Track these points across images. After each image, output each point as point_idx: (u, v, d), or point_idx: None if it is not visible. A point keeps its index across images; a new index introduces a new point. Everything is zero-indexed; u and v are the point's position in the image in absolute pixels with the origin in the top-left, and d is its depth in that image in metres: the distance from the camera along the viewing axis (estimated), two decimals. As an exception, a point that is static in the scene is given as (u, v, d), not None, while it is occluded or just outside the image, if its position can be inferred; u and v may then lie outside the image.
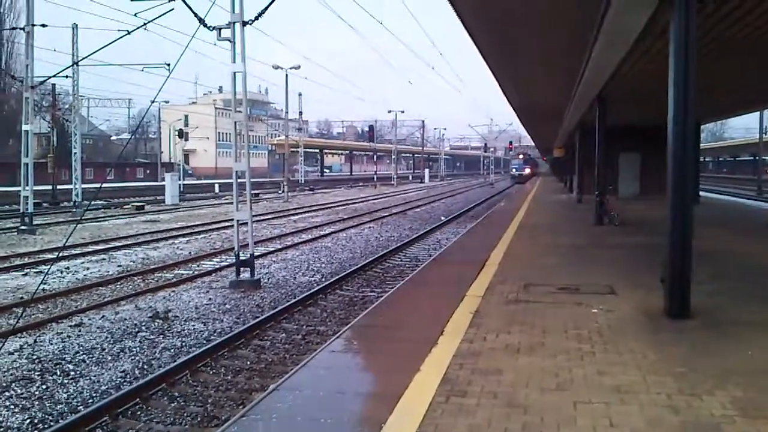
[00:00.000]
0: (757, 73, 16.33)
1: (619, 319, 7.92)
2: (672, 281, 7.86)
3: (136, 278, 15.82)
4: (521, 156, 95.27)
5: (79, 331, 11.05)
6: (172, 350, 10.03)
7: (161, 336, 10.79)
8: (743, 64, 14.79)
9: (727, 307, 8.48)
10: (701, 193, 33.06)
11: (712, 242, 14.45)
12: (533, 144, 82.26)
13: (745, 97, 22.31)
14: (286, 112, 57.00)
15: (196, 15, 14.97)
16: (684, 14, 7.61)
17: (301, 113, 73.95)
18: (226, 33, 14.78)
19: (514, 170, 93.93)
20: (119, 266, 17.55)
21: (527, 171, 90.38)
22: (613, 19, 9.19)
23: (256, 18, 15.21)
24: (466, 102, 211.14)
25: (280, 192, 54.35)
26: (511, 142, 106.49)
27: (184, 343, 10.38)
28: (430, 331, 7.38)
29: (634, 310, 8.38)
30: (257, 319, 11.39)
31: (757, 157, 60.52)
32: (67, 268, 17.20)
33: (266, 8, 15.36)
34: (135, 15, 19.44)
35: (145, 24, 20.26)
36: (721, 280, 10.25)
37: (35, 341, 10.41)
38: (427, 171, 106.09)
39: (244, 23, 14.67)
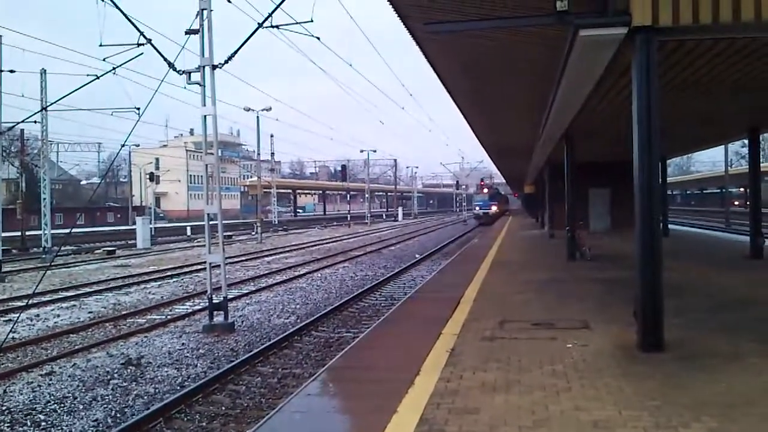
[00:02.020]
0: (718, 110, 16.75)
1: (593, 353, 7.97)
2: (644, 315, 7.95)
3: (107, 324, 15.59)
4: (486, 190, 74.96)
5: (50, 380, 10.84)
6: (145, 397, 9.87)
7: (134, 383, 10.61)
8: (705, 101, 15.17)
9: (700, 340, 8.56)
10: (670, 226, 33.54)
11: (683, 275, 14.65)
12: (504, 181, 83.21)
13: (708, 132, 22.82)
14: (258, 154, 57.07)
15: (165, 59, 15.05)
16: (645, 54, 7.85)
17: (273, 154, 74.23)
18: (195, 77, 14.87)
19: (477, 208, 74.02)
20: (90, 312, 17.29)
21: (494, 209, 71.70)
22: (576, 60, 9.39)
23: (226, 61, 15.34)
24: (437, 140, 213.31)
25: (253, 233, 54.08)
26: (483, 179, 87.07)
27: (157, 390, 10.21)
28: (406, 370, 7.35)
29: (608, 344, 8.44)
30: (232, 364, 11.25)
31: (723, 190, 61.64)
32: (37, 315, 16.91)
33: (235, 52, 15.51)
34: (104, 60, 19.43)
35: (114, 68, 20.31)
36: (693, 313, 10.37)
37: (5, 391, 10.19)
38: (400, 209, 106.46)
39: (214, 67, 14.76)
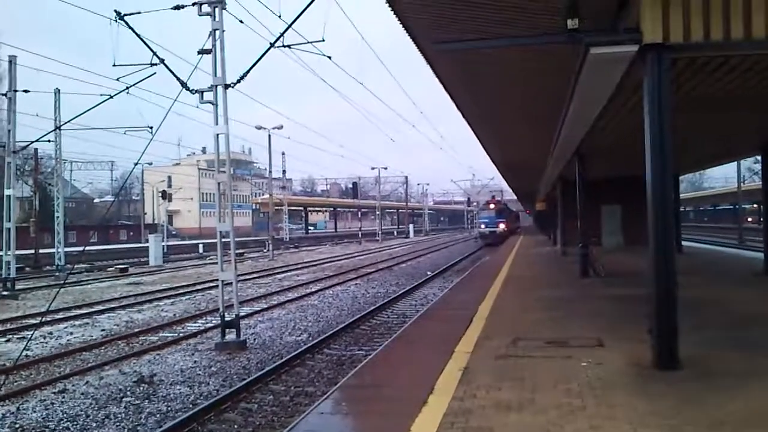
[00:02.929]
0: (730, 126, 16.70)
1: (608, 371, 7.92)
2: (659, 332, 7.90)
3: (120, 342, 15.63)
4: (493, 206, 65.10)
5: (63, 397, 10.86)
6: (157, 415, 9.86)
7: (147, 401, 10.61)
8: (716, 117, 15.14)
9: (716, 357, 8.49)
10: (684, 243, 33.34)
11: (698, 291, 14.54)
12: (516, 197, 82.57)
13: (720, 149, 22.74)
14: (270, 171, 57.24)
15: (178, 79, 15.19)
16: (657, 71, 7.86)
17: (284, 172, 74.48)
18: (208, 96, 14.98)
19: (482, 226, 64.24)
20: (103, 330, 17.34)
21: (502, 227, 62.19)
22: (587, 77, 9.41)
23: (238, 81, 15.45)
24: (448, 157, 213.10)
25: (265, 251, 54.18)
26: (494, 196, 79.17)
27: (170, 408, 10.21)
28: (419, 389, 7.33)
29: (622, 362, 8.38)
30: (244, 381, 11.23)
31: (737, 206, 61.26)
32: (51, 333, 16.97)
33: (248, 71, 15.63)
34: (117, 79, 19.61)
35: (127, 88, 20.44)
36: (708, 330, 10.29)
37: (18, 409, 10.22)
38: (411, 226, 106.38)
39: (226, 86, 14.88)
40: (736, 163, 45.91)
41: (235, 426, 9.24)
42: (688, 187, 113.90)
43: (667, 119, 7.91)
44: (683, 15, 7.70)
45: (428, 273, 32.05)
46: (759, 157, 22.99)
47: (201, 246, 60.34)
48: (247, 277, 31.11)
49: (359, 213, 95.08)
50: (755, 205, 68.77)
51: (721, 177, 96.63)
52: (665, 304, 7.89)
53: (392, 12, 9.91)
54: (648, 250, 8.07)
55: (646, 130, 8.02)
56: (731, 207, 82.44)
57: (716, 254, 32.45)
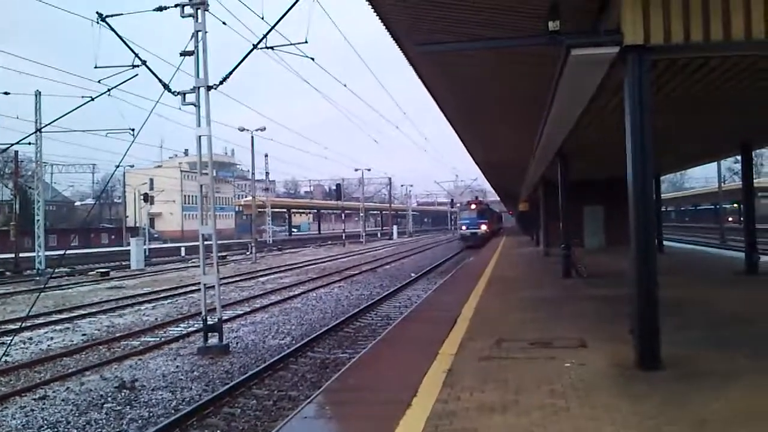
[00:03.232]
0: (711, 126, 16.83)
1: (591, 372, 7.93)
2: (641, 333, 7.93)
3: (101, 347, 15.48)
4: (474, 206, 62.07)
5: (44, 404, 10.74)
6: (139, 421, 9.77)
7: (128, 407, 10.51)
8: (697, 118, 15.26)
9: (698, 357, 8.53)
10: (665, 243, 33.58)
11: (679, 291, 14.62)
12: (498, 198, 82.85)
13: (701, 149, 22.93)
14: (253, 173, 57.04)
15: (160, 80, 15.09)
16: (637, 72, 7.90)
17: (267, 173, 74.21)
18: (190, 98, 14.87)
19: (463, 227, 61.21)
20: (84, 335, 17.18)
21: (484, 228, 59.83)
22: (568, 78, 9.44)
23: (221, 83, 15.37)
24: (431, 159, 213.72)
25: (248, 253, 53.97)
26: (477, 197, 76.32)
27: (151, 414, 10.12)
28: (403, 391, 7.30)
29: (605, 362, 8.40)
30: (227, 386, 11.15)
31: (717, 206, 61.85)
32: (31, 338, 16.79)
33: (230, 73, 15.54)
34: (99, 81, 19.45)
35: (108, 90, 20.27)
36: (690, 330, 10.36)
37: (-4, 417, 10.08)
38: (395, 227, 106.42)
39: (209, 88, 14.79)
40: (716, 163, 46.35)
41: (218, 431, 9.17)
42: (669, 188, 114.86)
43: (647, 120, 7.95)
44: (663, 17, 7.74)
45: (412, 275, 32.07)
46: (739, 157, 23.21)
47: (183, 249, 60.04)
48: (230, 280, 30.97)
49: (343, 215, 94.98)
50: (735, 205, 69.49)
51: (702, 177, 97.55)
52: (647, 305, 7.92)
53: (375, 13, 9.91)
54: (630, 251, 8.11)
55: (627, 131, 8.06)
56: (712, 207, 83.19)
57: (698, 254, 32.74)
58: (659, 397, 6.77)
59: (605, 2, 8.49)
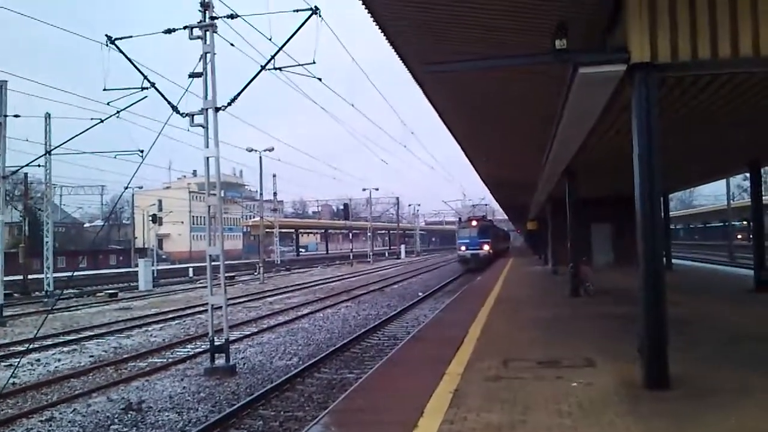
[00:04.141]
0: (719, 144, 16.80)
1: (599, 392, 7.86)
2: (649, 352, 7.86)
3: (108, 368, 15.44)
4: (474, 223, 53.96)
5: (50, 426, 10.72)
6: (145, 443, 9.72)
7: (134, 428, 10.48)
8: (705, 135, 15.23)
9: (707, 376, 8.45)
10: (674, 260, 33.41)
11: (688, 310, 14.52)
12: (507, 217, 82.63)
13: (709, 166, 22.88)
14: (261, 194, 57.18)
15: (169, 102, 15.19)
16: (644, 90, 7.89)
17: (275, 194, 74.34)
18: (198, 119, 14.94)
19: (462, 247, 52.66)
20: (91, 356, 17.15)
21: (486, 248, 51.40)
22: (576, 96, 9.46)
23: (229, 104, 15.45)
24: (439, 178, 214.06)
25: (255, 273, 53.95)
26: (484, 215, 68.33)
27: (158, 435, 10.07)
28: (410, 412, 7.24)
29: (613, 382, 8.32)
30: (233, 407, 11.09)
31: (727, 223, 61.53)
32: (38, 360, 16.77)
33: (238, 94, 15.63)
34: (108, 104, 19.55)
35: (118, 112, 20.38)
36: (698, 348, 10.26)
37: (3, 439, 10.06)
38: (403, 247, 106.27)
39: (217, 109, 14.86)
40: (725, 180, 46.18)
41: (224, 452, 9.11)
42: (678, 205, 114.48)
43: (655, 138, 7.93)
44: (671, 34, 7.75)
45: (419, 294, 31.97)
46: (748, 174, 23.14)
47: (191, 270, 60.05)
48: (238, 300, 30.93)
49: (350, 234, 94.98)
50: (745, 222, 69.11)
51: (711, 194, 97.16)
52: (655, 323, 7.86)
53: (383, 34, 9.98)
54: (638, 269, 8.05)
55: (634, 149, 8.04)
56: (721, 224, 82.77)
57: (707, 272, 32.54)
58: (668, 417, 6.69)
59: (612, 20, 8.51)
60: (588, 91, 9.21)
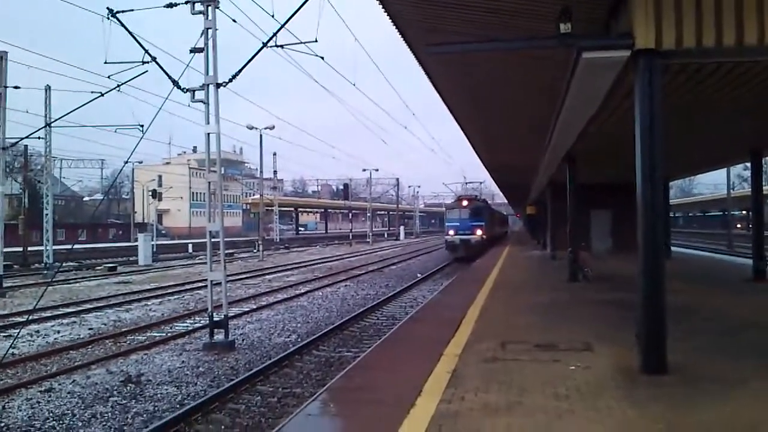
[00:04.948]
0: (722, 131, 16.78)
1: (596, 375, 7.93)
2: (647, 337, 7.92)
3: (107, 341, 15.53)
4: (465, 203, 45.23)
5: (49, 396, 10.78)
6: (144, 415, 9.80)
7: (133, 401, 10.54)
8: (707, 123, 15.22)
9: (703, 363, 8.52)
10: (673, 248, 33.49)
11: (686, 297, 14.59)
12: (507, 201, 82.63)
13: (710, 155, 22.88)
14: (261, 172, 57.15)
15: (170, 77, 15.11)
16: (648, 77, 7.87)
17: (275, 172, 74.26)
18: (199, 95, 14.90)
19: (450, 232, 44.03)
20: (90, 329, 17.23)
21: (479, 233, 43.01)
22: (579, 81, 9.44)
23: (230, 80, 15.36)
24: (440, 160, 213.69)
25: (254, 251, 54.07)
26: (477, 195, 60.71)
27: (156, 408, 10.15)
28: (407, 391, 7.30)
29: (610, 366, 8.40)
30: (232, 382, 11.18)
31: (726, 212, 61.58)
32: (38, 331, 16.85)
33: (240, 71, 15.55)
34: (109, 77, 19.48)
35: (118, 86, 20.34)
36: (696, 336, 10.33)
37: (3, 407, 10.14)
38: (402, 228, 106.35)
39: (218, 85, 14.82)
40: (726, 169, 46.16)
41: (222, 427, 9.20)
42: (677, 193, 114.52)
43: (657, 124, 7.92)
44: (675, 21, 7.72)
45: (418, 275, 32.06)
46: (748, 164, 23.14)
47: (190, 246, 60.17)
48: (237, 277, 31.01)
49: (350, 214, 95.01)
50: (744, 212, 69.19)
51: (711, 183, 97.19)
52: (653, 309, 7.91)
53: (386, 14, 9.93)
54: (637, 255, 8.09)
55: (636, 135, 8.04)
56: (721, 213, 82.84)
57: (705, 260, 32.62)
58: (665, 402, 6.76)
59: (617, 5, 8.48)
60: (591, 76, 9.19)
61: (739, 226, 71.27)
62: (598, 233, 32.19)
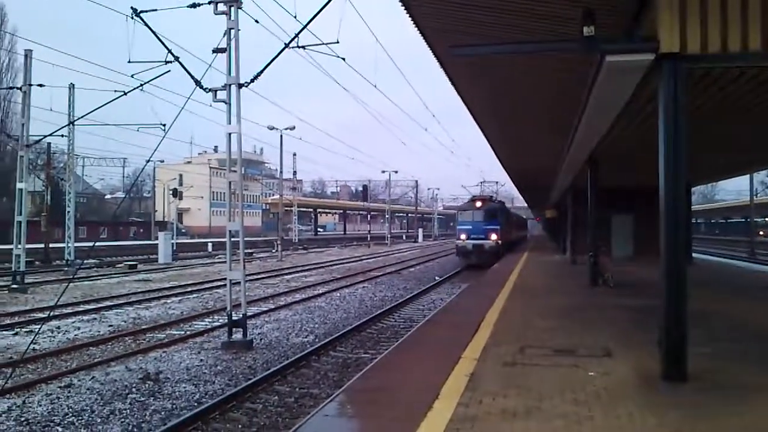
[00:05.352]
0: (745, 137, 16.60)
1: (616, 382, 7.86)
2: (668, 344, 7.83)
3: (127, 338, 15.65)
4: (479, 204, 40.45)
5: (69, 392, 10.87)
6: (162, 413, 9.85)
7: (152, 398, 10.60)
8: (732, 128, 15.05)
9: (724, 370, 8.42)
10: (694, 255, 33.15)
11: (707, 304, 14.43)
12: (526, 204, 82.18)
13: (735, 160, 22.61)
14: (281, 172, 57.37)
15: (192, 77, 15.22)
16: (672, 81, 7.79)
17: (295, 173, 74.45)
18: (221, 95, 14.99)
19: (462, 236, 39.39)
20: (110, 326, 17.37)
21: (494, 237, 38.48)
22: (602, 85, 9.37)
23: (252, 81, 15.44)
24: (459, 162, 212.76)
25: (273, 251, 54.27)
26: (492, 196, 53.16)
27: (174, 406, 10.20)
28: (425, 394, 7.28)
29: (630, 372, 8.32)
30: (249, 381, 11.22)
31: (748, 219, 60.85)
32: (58, 327, 17.02)
33: (261, 71, 15.62)
34: (132, 76, 19.70)
35: (141, 85, 20.57)
36: (718, 343, 10.20)
37: (24, 402, 10.24)
38: (420, 230, 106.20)
39: (240, 86, 14.89)
40: (749, 175, 45.67)
41: (240, 426, 9.22)
42: (700, 199, 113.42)
43: (681, 129, 7.84)
44: (701, 25, 7.63)
45: (436, 278, 32.00)
46: (772, 171, 22.86)
47: (210, 245, 60.55)
48: (256, 277, 31.14)
49: (369, 216, 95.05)
50: (767, 219, 68.39)
51: (734, 190, 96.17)
52: (675, 316, 7.81)
53: (408, 16, 9.92)
54: (659, 261, 8.00)
55: (660, 140, 7.95)
56: (743, 220, 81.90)
57: (727, 267, 32.25)
58: (685, 410, 6.68)
59: (641, 8, 8.40)
60: (614, 80, 9.11)
61: (761, 233, 70.47)
62: (620, 238, 31.88)
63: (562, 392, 7.36)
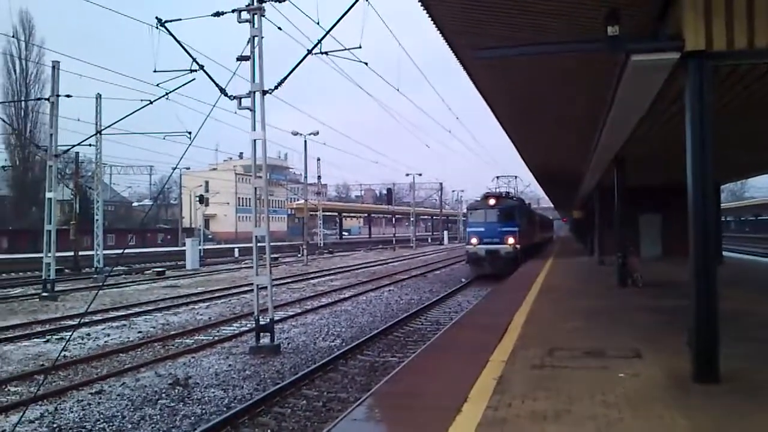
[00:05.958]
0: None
1: (646, 383, 7.78)
2: (699, 345, 7.73)
3: (156, 344, 15.81)
4: (493, 201, 34.16)
5: (100, 398, 11.01)
6: (192, 418, 9.94)
7: (181, 403, 10.70)
8: (757, 126, 14.83)
9: (757, 372, 8.29)
10: (724, 253, 32.67)
11: (738, 304, 14.21)
12: (552, 205, 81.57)
13: (763, 158, 22.26)
14: (305, 177, 57.59)
15: (217, 85, 15.38)
16: (699, 79, 7.69)
17: (319, 177, 74.65)
18: (246, 102, 15.13)
19: (473, 240, 33.44)
20: (140, 332, 17.56)
21: (510, 241, 32.66)
22: (627, 84, 9.29)
23: (276, 87, 15.56)
24: (483, 163, 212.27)
25: (299, 255, 54.45)
26: (508, 192, 43.14)
27: (204, 411, 10.29)
28: (453, 397, 7.27)
29: (661, 374, 8.23)
30: (277, 386, 11.27)
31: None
32: (88, 334, 17.24)
33: (285, 78, 15.73)
34: (157, 85, 19.92)
35: (167, 94, 20.78)
36: (749, 343, 10.05)
37: (56, 409, 10.39)
38: (446, 233, 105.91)
39: (264, 92, 15.00)
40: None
41: (269, 430, 9.28)
42: (729, 197, 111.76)
43: (708, 127, 7.74)
44: (726, 22, 7.54)
45: (462, 280, 31.87)
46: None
47: (237, 250, 60.90)
48: (282, 281, 31.29)
49: (393, 219, 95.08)
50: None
51: (764, 186, 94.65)
52: (705, 316, 7.71)
53: (430, 19, 9.91)
54: (688, 261, 7.90)
55: (687, 139, 7.86)
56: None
57: (758, 266, 31.73)
58: (717, 412, 6.59)
59: (666, 7, 8.31)
60: (640, 79, 9.03)
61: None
62: (648, 238, 31.52)
63: (591, 394, 7.30)
